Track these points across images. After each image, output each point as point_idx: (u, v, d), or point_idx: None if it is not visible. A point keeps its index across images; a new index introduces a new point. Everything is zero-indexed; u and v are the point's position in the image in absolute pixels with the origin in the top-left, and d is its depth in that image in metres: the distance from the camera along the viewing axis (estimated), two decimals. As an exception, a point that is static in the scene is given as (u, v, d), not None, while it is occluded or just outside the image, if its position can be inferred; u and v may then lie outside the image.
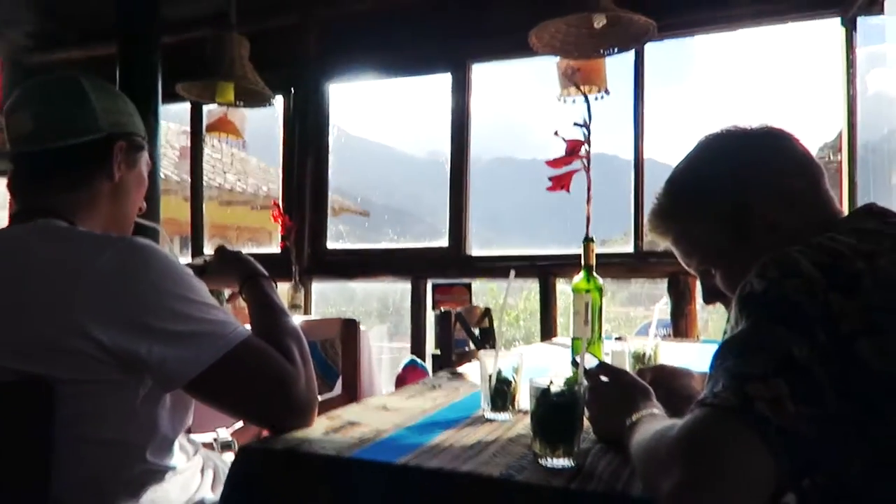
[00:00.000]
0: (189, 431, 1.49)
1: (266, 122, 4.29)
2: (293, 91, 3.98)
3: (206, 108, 4.05)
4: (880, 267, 0.71)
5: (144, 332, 0.91)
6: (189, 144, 4.32)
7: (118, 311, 0.91)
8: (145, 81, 3.19)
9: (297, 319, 2.01)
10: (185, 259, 1.28)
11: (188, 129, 4.28)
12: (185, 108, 4.18)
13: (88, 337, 0.88)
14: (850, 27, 3.01)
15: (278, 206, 3.75)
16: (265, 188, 8.41)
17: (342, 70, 3.92)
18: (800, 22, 3.17)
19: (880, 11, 2.93)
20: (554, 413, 0.86)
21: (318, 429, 1.02)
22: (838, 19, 3.03)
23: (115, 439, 0.96)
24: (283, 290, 3.74)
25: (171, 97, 3.30)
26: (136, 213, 1.19)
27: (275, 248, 3.99)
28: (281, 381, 1.00)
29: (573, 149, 1.57)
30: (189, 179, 4.31)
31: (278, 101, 3.95)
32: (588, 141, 1.58)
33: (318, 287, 4.06)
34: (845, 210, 0.95)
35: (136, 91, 2.70)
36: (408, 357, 3.30)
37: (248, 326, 1.04)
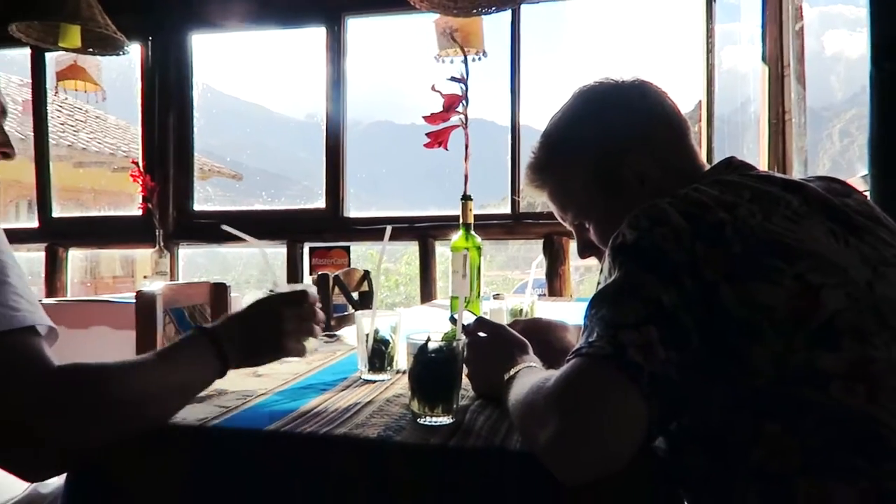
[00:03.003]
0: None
1: (124, 73, 3.94)
2: (151, 39, 3.66)
3: (52, 57, 3.64)
4: (740, 217, 0.74)
5: None
6: (31, 97, 3.87)
7: None
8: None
9: (160, 285, 1.87)
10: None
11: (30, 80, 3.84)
12: (24, 54, 3.74)
13: None
14: (710, 0, 3.19)
15: (137, 165, 3.46)
16: (124, 148, 7.78)
17: (207, 18, 3.64)
18: (665, -8, 3.31)
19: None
20: (431, 369, 0.83)
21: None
22: (700, -9, 3.19)
23: None
24: (146, 255, 3.49)
25: (7, 41, 2.92)
26: None
27: (136, 212, 3.71)
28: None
29: (450, 104, 1.54)
30: (33, 136, 3.88)
31: (135, 50, 3.63)
32: (465, 97, 1.55)
33: (187, 253, 3.82)
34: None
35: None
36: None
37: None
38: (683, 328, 0.68)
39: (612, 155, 0.94)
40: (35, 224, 3.82)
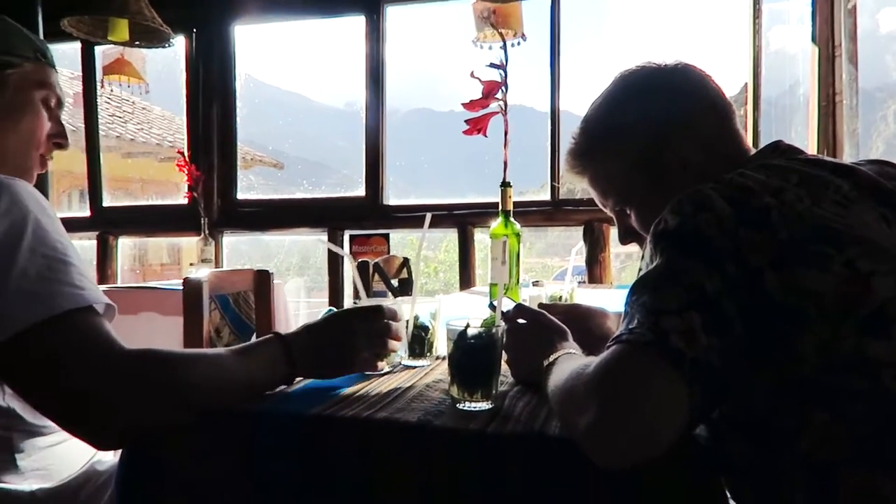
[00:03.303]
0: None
1: (169, 65, 4.03)
2: (195, 32, 3.73)
3: (100, 51, 3.75)
4: (787, 201, 0.72)
5: None
6: (82, 90, 3.99)
7: None
8: (21, 11, 2.88)
9: (205, 272, 1.92)
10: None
11: (81, 73, 3.96)
12: (75, 48, 3.85)
13: None
14: (757, -21, 3.09)
15: (183, 155, 3.54)
16: (170, 139, 7.97)
17: (248, 9, 3.70)
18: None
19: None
20: (471, 355, 0.84)
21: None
22: (746, -29, 3.10)
23: None
24: (191, 243, 3.58)
25: (58, 35, 3.00)
26: (32, 148, 1.03)
27: (182, 200, 3.80)
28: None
29: (490, 91, 1.54)
30: (84, 128, 4.01)
31: (179, 42, 3.71)
32: (505, 83, 1.54)
33: (231, 241, 3.91)
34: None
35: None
36: (326, 309, 3.24)
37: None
38: (726, 315, 0.67)
39: (654, 140, 0.93)
40: (87, 213, 3.95)
